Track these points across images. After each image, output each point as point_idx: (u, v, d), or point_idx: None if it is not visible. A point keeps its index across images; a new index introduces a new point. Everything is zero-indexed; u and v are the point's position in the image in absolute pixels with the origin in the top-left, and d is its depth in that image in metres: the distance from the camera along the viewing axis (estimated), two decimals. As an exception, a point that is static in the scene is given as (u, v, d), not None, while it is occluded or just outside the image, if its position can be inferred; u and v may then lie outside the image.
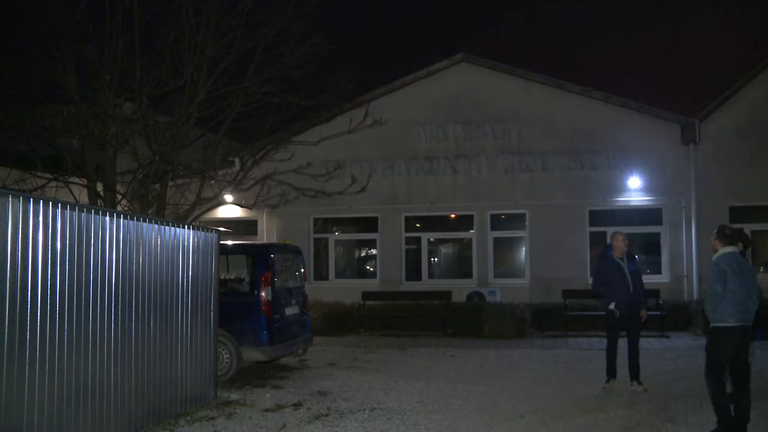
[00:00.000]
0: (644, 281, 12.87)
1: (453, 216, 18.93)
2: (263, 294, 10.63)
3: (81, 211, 6.45)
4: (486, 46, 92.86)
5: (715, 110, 17.33)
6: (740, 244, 7.74)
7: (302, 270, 12.53)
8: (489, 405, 8.63)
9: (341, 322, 16.26)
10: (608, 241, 10.30)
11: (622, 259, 9.52)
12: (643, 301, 9.74)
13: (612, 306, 9.39)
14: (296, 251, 12.55)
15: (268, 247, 11.70)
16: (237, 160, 15.91)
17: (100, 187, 11.80)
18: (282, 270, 11.50)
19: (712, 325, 7.00)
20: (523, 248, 18.29)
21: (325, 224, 19.28)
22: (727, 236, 7.12)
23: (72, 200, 10.59)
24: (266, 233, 18.95)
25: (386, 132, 16.73)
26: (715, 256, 7.14)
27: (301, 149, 15.50)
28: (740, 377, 7.06)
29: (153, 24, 12.16)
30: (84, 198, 11.70)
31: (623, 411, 8.21)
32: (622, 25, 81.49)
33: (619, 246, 9.56)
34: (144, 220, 7.56)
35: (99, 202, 11.49)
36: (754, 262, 16.72)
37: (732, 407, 6.89)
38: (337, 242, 19.58)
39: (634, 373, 9.39)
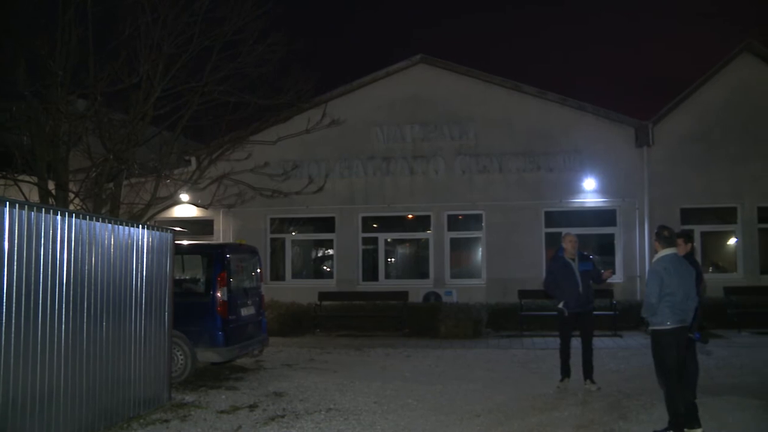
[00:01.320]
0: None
1: (410, 216, 18.99)
2: (219, 294, 10.53)
3: (31, 210, 6.31)
4: (444, 47, 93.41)
5: (668, 114, 17.72)
6: (689, 245, 7.92)
7: (258, 270, 12.45)
8: (445, 404, 8.68)
9: (297, 322, 16.19)
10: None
11: (573, 259, 9.64)
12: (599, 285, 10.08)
13: (561, 305, 9.54)
14: (252, 251, 12.46)
15: (223, 247, 11.60)
16: (193, 159, 15.75)
17: (51, 186, 11.54)
18: (238, 270, 11.41)
19: (651, 328, 7.10)
20: (480, 249, 18.44)
21: (281, 224, 19.18)
22: (665, 238, 7.21)
23: (22, 199, 10.35)
24: (222, 233, 18.79)
25: (344, 132, 16.75)
26: (654, 258, 7.26)
27: (258, 149, 15.42)
28: (687, 373, 7.21)
29: (108, 19, 11.95)
30: (34, 197, 11.44)
31: (577, 409, 8.33)
32: (581, 29, 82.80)
33: (569, 247, 9.69)
34: (97, 220, 7.43)
35: (50, 201, 11.24)
36: (703, 262, 17.18)
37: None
38: (294, 242, 19.50)
39: (588, 372, 9.52)
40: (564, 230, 14.52)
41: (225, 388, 9.85)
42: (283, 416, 8.13)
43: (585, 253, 10.22)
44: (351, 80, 18.73)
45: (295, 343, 14.57)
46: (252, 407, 8.60)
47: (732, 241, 17.95)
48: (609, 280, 16.75)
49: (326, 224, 19.01)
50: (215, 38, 12.40)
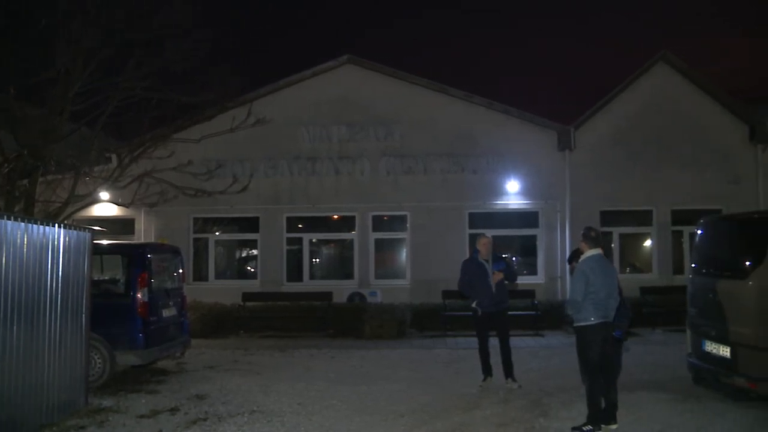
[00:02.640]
0: (520, 282, 13.43)
1: (335, 217, 18.97)
2: (139, 295, 10.28)
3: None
4: (372, 48, 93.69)
5: (588, 119, 18.28)
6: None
7: (181, 270, 12.21)
8: (369, 405, 8.71)
9: (221, 323, 15.95)
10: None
11: (487, 260, 9.79)
12: (507, 300, 10.03)
13: (474, 304, 9.72)
14: (175, 251, 12.21)
15: (144, 247, 11.32)
16: (114, 157, 15.33)
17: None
18: (159, 270, 11.17)
19: (576, 324, 7.41)
20: (404, 249, 18.57)
21: (205, 224, 18.83)
22: (592, 239, 7.53)
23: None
24: (144, 233, 18.33)
25: (269, 131, 16.58)
26: (581, 258, 7.53)
27: (181, 147, 15.12)
28: (608, 370, 7.48)
29: (23, 8, 11.48)
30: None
31: (499, 408, 8.48)
32: (506, 33, 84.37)
33: (483, 249, 9.84)
34: (8, 218, 7.13)
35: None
36: (621, 263, 17.79)
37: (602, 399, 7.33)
38: (218, 242, 19.21)
39: (508, 370, 9.69)
40: (489, 231, 14.80)
41: (145, 391, 9.62)
42: (205, 419, 8.01)
43: (500, 254, 10.40)
44: (277, 79, 18.58)
45: (219, 344, 14.35)
46: (173, 411, 8.43)
47: (647, 242, 18.65)
48: (531, 281, 17.35)
49: (250, 224, 18.79)
50: (139, 33, 12.08)
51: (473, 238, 17.69)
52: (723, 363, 8.19)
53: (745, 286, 7.88)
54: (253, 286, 18.08)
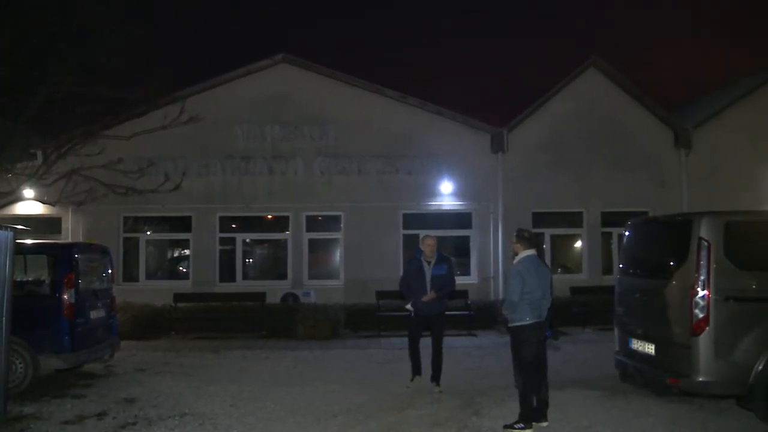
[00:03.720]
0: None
1: (269, 217, 18.81)
2: (65, 297, 9.95)
3: None
4: (308, 48, 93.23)
5: (521, 122, 18.64)
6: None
7: (110, 271, 11.89)
8: (303, 406, 8.65)
9: (152, 325, 15.59)
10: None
11: (429, 262, 9.72)
12: (445, 304, 9.99)
13: (409, 306, 9.70)
14: (103, 251, 11.89)
15: (71, 247, 10.98)
16: (39, 153, 14.83)
17: None
18: (87, 271, 10.84)
19: (511, 324, 7.53)
20: (338, 250, 18.54)
21: (135, 223, 18.38)
22: (526, 239, 7.69)
23: None
24: (71, 232, 17.78)
25: (203, 130, 16.31)
26: (516, 259, 7.67)
27: (111, 144, 14.73)
28: (540, 368, 7.63)
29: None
30: None
31: (433, 407, 8.53)
32: (444, 36, 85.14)
33: (427, 250, 9.75)
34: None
35: None
36: (552, 264, 18.18)
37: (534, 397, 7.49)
38: (149, 242, 18.80)
39: (436, 375, 9.63)
40: (422, 232, 14.85)
41: (71, 396, 9.31)
42: (134, 423, 7.82)
43: (445, 255, 10.25)
44: (212, 76, 18.30)
45: (149, 346, 14.05)
46: (100, 416, 8.19)
47: (578, 243, 19.11)
48: (464, 281, 17.52)
49: (182, 224, 18.46)
50: (65, 24, 11.72)
51: (407, 239, 17.98)
52: (648, 360, 8.45)
53: (669, 285, 8.13)
54: (184, 286, 17.77)
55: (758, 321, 7.52)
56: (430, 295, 9.51)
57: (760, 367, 7.38)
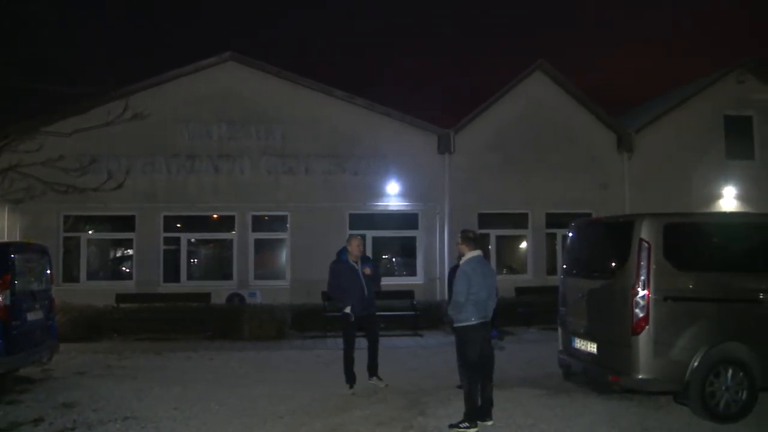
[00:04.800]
0: (400, 283, 13.60)
1: (214, 216, 18.57)
2: (0, 298, 9.65)
3: None
4: (257, 47, 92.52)
5: (468, 124, 18.83)
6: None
7: (49, 271, 11.57)
8: (248, 407, 8.58)
9: (93, 326, 15.23)
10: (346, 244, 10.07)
11: (356, 262, 9.72)
12: (375, 304, 9.97)
13: (348, 309, 9.57)
14: (42, 251, 11.55)
15: (7, 246, 10.63)
16: (-27, 150, 14.34)
17: None
18: (24, 271, 10.51)
19: (456, 324, 7.59)
20: (285, 250, 18.42)
21: (76, 222, 17.94)
22: (471, 240, 7.77)
23: None
24: (8, 231, 17.22)
25: (147, 127, 16.02)
26: (462, 260, 7.73)
27: (52, 140, 14.33)
28: (485, 367, 7.70)
29: None
30: None
31: (379, 407, 8.56)
32: (394, 37, 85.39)
33: (355, 250, 9.71)
34: None
35: None
36: (497, 264, 18.40)
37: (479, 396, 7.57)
38: (90, 241, 18.37)
39: (373, 370, 9.75)
40: (369, 232, 14.92)
41: (5, 402, 9.01)
42: (72, 429, 7.64)
43: (366, 255, 10.30)
44: (157, 73, 17.99)
45: (90, 348, 13.74)
46: (37, 422, 7.95)
47: (523, 244, 19.37)
48: (410, 282, 17.64)
49: (126, 223, 18.08)
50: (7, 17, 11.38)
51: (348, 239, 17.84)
52: (590, 359, 8.63)
53: (611, 285, 8.32)
54: (128, 287, 17.44)
55: (694, 320, 7.78)
56: (365, 270, 9.56)
57: (696, 364, 7.65)
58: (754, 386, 7.81)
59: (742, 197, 19.37)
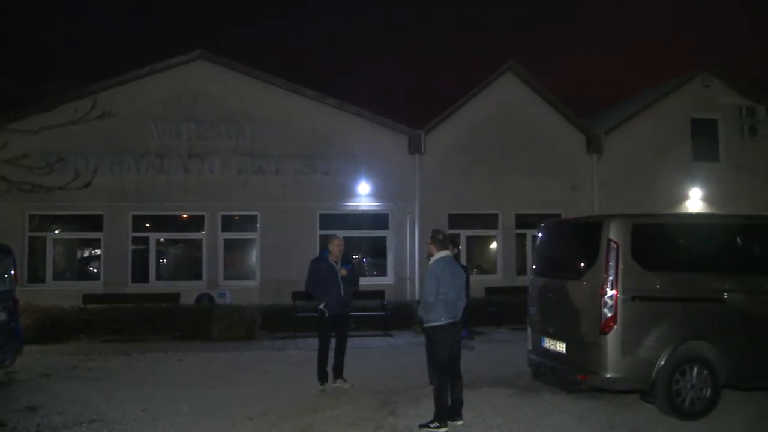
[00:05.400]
0: (370, 283, 13.59)
1: (184, 216, 18.40)
2: (-38, 299, 9.47)
3: None
4: (229, 46, 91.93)
5: (439, 124, 18.89)
6: (455, 249, 8.51)
7: (12, 272, 11.39)
8: (218, 409, 8.52)
9: (59, 327, 14.97)
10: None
11: (336, 262, 9.82)
12: (351, 303, 10.14)
13: (322, 306, 9.66)
14: (5, 250, 11.39)
15: (-30, 246, 10.46)
16: (-66, 147, 14.04)
17: None
18: (-13, 271, 10.35)
19: (426, 325, 7.62)
20: (255, 250, 18.32)
21: (42, 222, 17.64)
22: (440, 241, 7.82)
23: None
24: (-30, 231, 16.91)
25: (116, 126, 15.76)
26: (432, 260, 7.76)
27: (16, 138, 14.02)
28: (454, 367, 7.73)
29: None
30: None
31: (349, 407, 8.55)
32: (364, 38, 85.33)
33: (336, 250, 9.82)
34: None
35: None
36: (468, 265, 18.47)
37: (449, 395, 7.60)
38: (57, 241, 18.08)
39: (339, 371, 9.80)
40: (340, 232, 14.76)
41: (-33, 405, 8.86)
42: (37, 432, 7.51)
43: (348, 256, 10.39)
44: (127, 71, 17.77)
45: (56, 350, 13.52)
46: (-1, 425, 7.83)
47: (493, 245, 19.48)
48: (380, 282, 17.65)
49: (93, 222, 17.81)
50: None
51: (324, 239, 17.79)
52: (559, 358, 8.70)
53: (579, 285, 8.40)
54: (95, 287, 17.19)
55: (661, 319, 7.89)
56: (342, 271, 9.70)
57: (662, 363, 7.77)
58: (718, 384, 7.98)
59: (707, 198, 19.70)
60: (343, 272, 9.74)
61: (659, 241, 8.38)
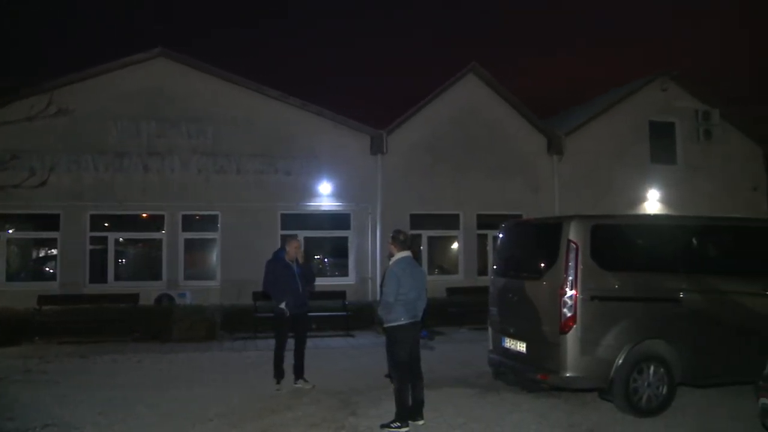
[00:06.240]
0: (332, 283, 13.56)
1: (143, 215, 18.15)
2: None
3: None
4: (192, 45, 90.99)
5: (401, 125, 18.93)
6: (413, 250, 8.52)
7: (-34, 272, 11.11)
8: (177, 410, 8.42)
9: (13, 330, 14.58)
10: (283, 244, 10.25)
11: (292, 261, 9.85)
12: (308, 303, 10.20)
13: (283, 305, 9.68)
14: (-41, 251, 11.10)
15: None
16: None
17: None
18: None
19: (386, 325, 7.62)
20: (215, 250, 18.15)
21: (-4, 221, 17.27)
22: (401, 241, 7.82)
23: None
24: None
25: (73, 123, 15.53)
26: (392, 260, 7.76)
27: (-32, 136, 13.77)
28: (414, 367, 7.75)
29: None
30: None
31: (310, 408, 8.51)
32: (328, 38, 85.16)
33: (292, 252, 9.87)
34: None
35: None
36: (429, 265, 18.55)
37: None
38: (11, 241, 17.71)
39: (300, 372, 9.81)
40: (301, 232, 14.78)
41: None
42: (-12, 437, 7.33)
43: (305, 258, 10.42)
44: (84, 68, 17.45)
45: (9, 353, 13.20)
46: (-53, 431, 7.61)
47: (454, 245, 19.58)
48: (342, 282, 17.62)
49: (49, 222, 17.45)
50: None
51: (285, 240, 17.70)
52: (520, 358, 8.77)
53: (540, 285, 8.47)
54: (51, 288, 16.85)
55: (618, 319, 8.00)
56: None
57: (620, 362, 7.89)
58: (673, 381, 8.13)
59: (665, 200, 20.08)
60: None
61: (618, 242, 8.49)
